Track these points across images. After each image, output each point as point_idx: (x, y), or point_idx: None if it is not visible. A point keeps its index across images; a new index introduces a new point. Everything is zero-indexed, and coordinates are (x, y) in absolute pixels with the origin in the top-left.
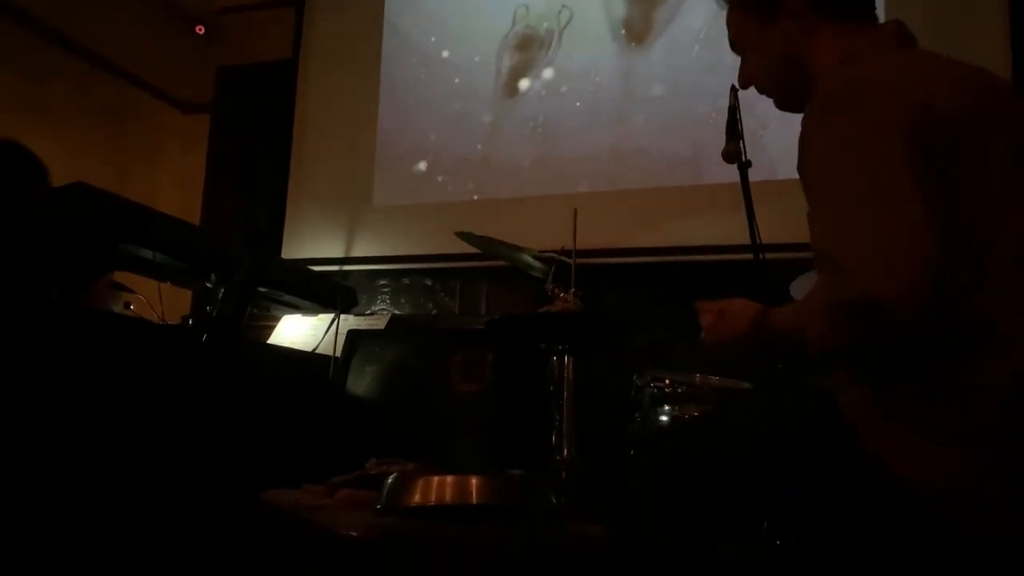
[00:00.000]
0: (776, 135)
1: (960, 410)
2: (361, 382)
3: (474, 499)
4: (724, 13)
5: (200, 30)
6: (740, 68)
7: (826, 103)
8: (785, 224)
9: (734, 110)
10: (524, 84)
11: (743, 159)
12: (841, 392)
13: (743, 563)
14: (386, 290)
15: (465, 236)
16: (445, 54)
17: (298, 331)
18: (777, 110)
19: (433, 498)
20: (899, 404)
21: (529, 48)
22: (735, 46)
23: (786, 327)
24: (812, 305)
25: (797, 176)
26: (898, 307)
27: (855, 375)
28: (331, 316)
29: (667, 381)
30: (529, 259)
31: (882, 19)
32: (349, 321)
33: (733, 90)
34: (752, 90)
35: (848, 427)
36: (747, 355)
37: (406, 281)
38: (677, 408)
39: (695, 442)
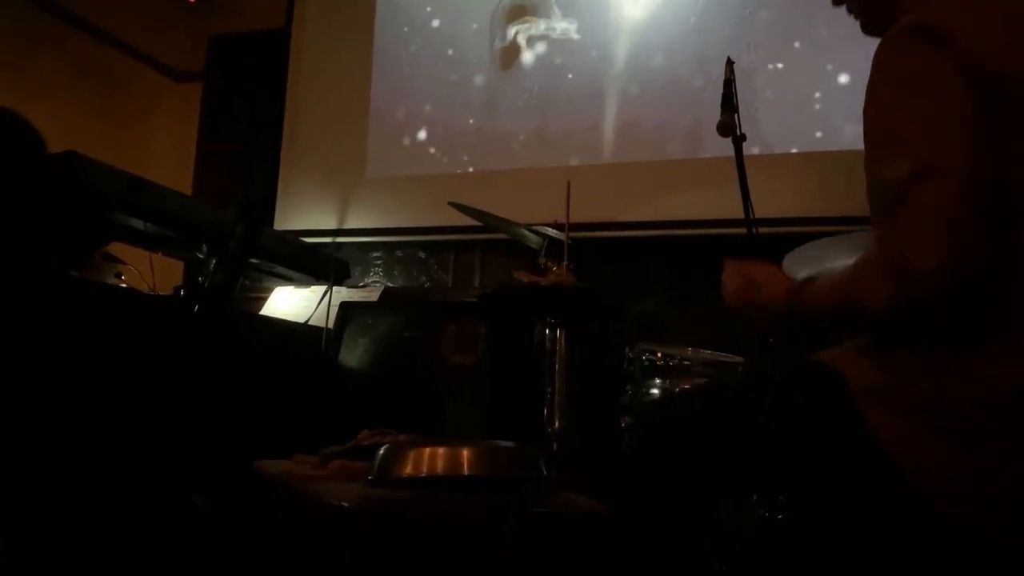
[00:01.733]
0: (771, 109)
1: (964, 411)
2: (354, 354)
3: (465, 470)
4: None
5: None
6: None
7: (889, 47)
8: (779, 198)
9: (730, 83)
10: (519, 54)
11: (738, 132)
12: (847, 367)
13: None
14: (379, 262)
15: (459, 206)
16: (439, 24)
17: (290, 303)
18: (772, 84)
19: (425, 469)
20: (904, 391)
21: (523, 16)
22: None
23: (827, 291)
24: (865, 267)
25: (792, 150)
26: (946, 274)
27: (863, 351)
28: (324, 288)
29: (659, 354)
30: (523, 231)
31: None
32: (342, 293)
33: (729, 63)
34: (748, 64)
35: (851, 404)
36: (776, 324)
37: (399, 253)
38: (668, 381)
39: (692, 415)
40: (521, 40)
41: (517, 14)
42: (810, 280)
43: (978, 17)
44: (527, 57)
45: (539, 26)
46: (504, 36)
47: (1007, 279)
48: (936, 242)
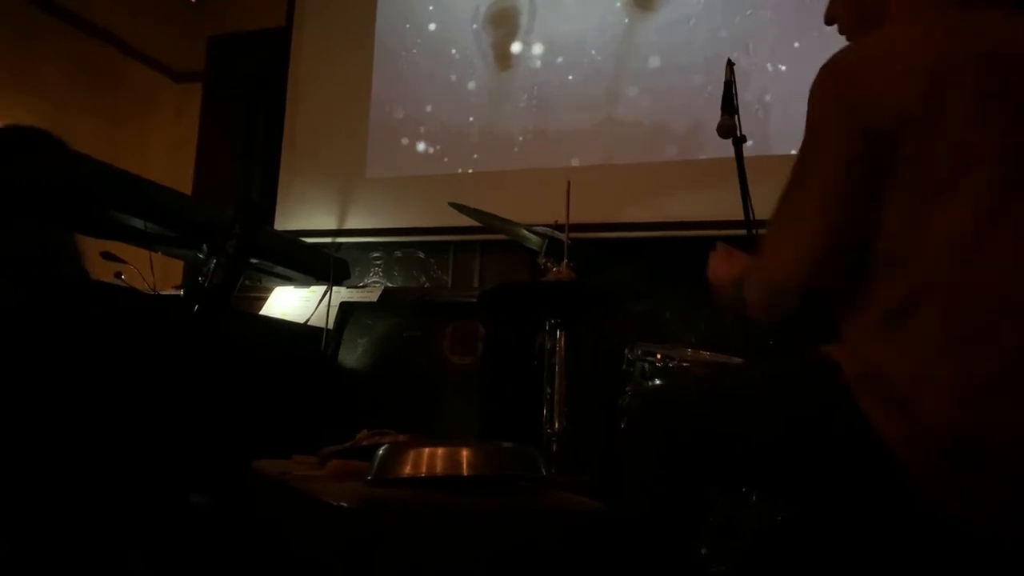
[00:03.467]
0: (771, 110)
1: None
2: (353, 354)
3: (465, 470)
4: None
5: None
6: (829, 3)
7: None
8: None
9: (730, 84)
10: (515, 55)
11: (738, 134)
12: (842, 356)
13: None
14: (379, 262)
15: (459, 207)
16: (440, 24)
17: (290, 303)
18: (772, 85)
19: (424, 469)
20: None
21: (507, 18)
22: None
23: (741, 291)
24: (748, 274)
25: (792, 152)
26: (784, 291)
27: (857, 341)
28: (323, 288)
29: (658, 355)
30: (523, 231)
31: None
32: (341, 293)
33: (729, 64)
34: (748, 65)
35: (845, 392)
36: (725, 302)
37: (399, 254)
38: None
39: (693, 407)
40: (509, 39)
41: (501, 15)
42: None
43: (883, 63)
44: (527, 58)
45: (526, 24)
46: (491, 37)
47: (984, 286)
48: (787, 268)
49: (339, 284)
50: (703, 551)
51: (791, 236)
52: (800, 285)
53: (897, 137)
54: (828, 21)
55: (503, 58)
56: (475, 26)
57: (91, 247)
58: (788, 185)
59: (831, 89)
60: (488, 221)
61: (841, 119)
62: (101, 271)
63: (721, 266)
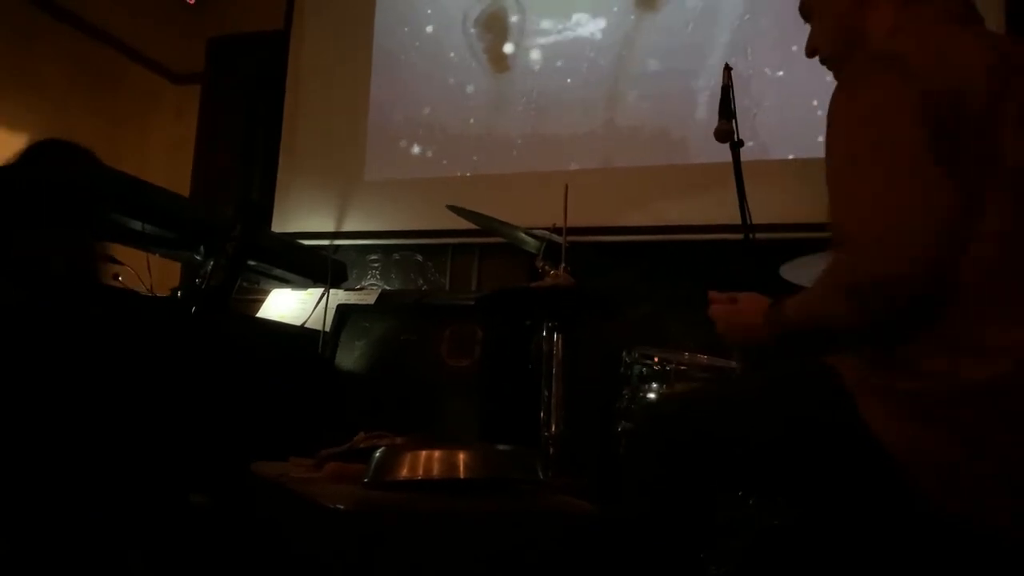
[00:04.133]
0: (769, 115)
1: (941, 404)
2: (350, 356)
3: (462, 473)
4: None
5: None
6: (808, 35)
7: (850, 76)
8: (776, 204)
9: (727, 89)
10: (513, 58)
11: (735, 139)
12: (844, 365)
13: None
14: (376, 265)
15: (457, 209)
16: (439, 27)
17: (287, 305)
18: (770, 90)
19: (421, 472)
20: (892, 385)
21: (503, 21)
22: (802, 10)
23: (800, 316)
24: (824, 289)
25: (789, 156)
26: (903, 285)
27: (859, 351)
28: (321, 290)
29: (656, 359)
30: (521, 234)
31: None
32: (339, 296)
33: (727, 69)
34: (746, 70)
35: (848, 399)
36: (765, 348)
37: (396, 256)
38: (665, 386)
39: (695, 415)
40: (510, 47)
41: (492, 18)
42: (781, 302)
43: (932, 45)
44: (525, 61)
45: (518, 23)
46: (492, 42)
47: (970, 286)
48: (900, 253)
49: (336, 286)
50: (701, 554)
51: (890, 214)
52: (928, 264)
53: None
54: (809, 54)
55: (500, 61)
56: (472, 30)
57: None
58: (848, 172)
59: (887, 68)
60: (486, 224)
61: (915, 106)
62: None
63: (733, 316)
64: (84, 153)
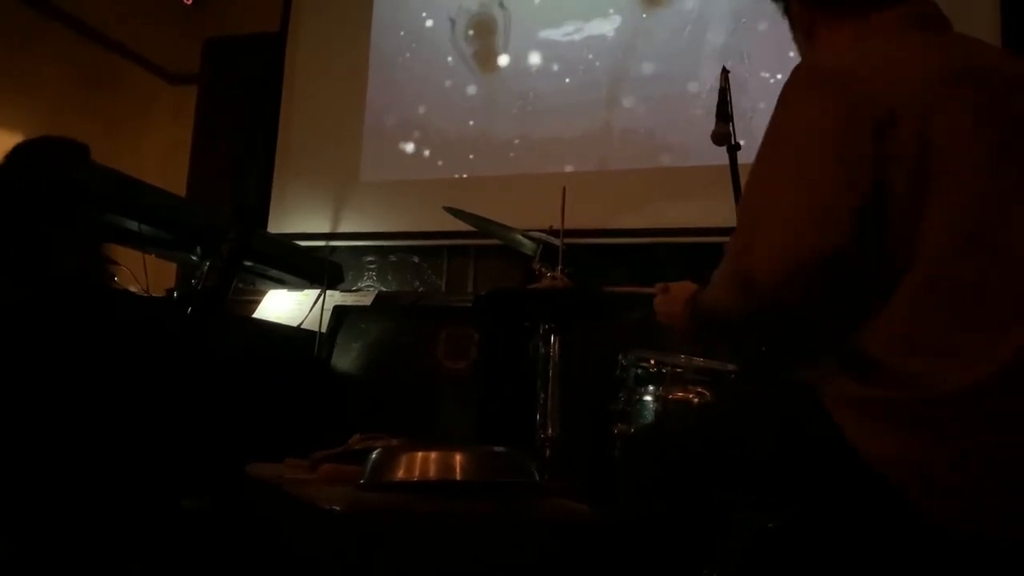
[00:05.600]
0: (766, 118)
1: (915, 412)
2: (346, 358)
3: (458, 475)
4: None
5: (188, 0)
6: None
7: (788, 81)
8: None
9: (724, 92)
10: (511, 61)
11: (733, 141)
12: (821, 379)
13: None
14: (372, 267)
15: (454, 211)
16: (435, 29)
17: (283, 306)
18: (766, 94)
19: (417, 474)
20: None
21: (500, 24)
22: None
23: (705, 303)
24: (719, 276)
25: None
26: (763, 284)
27: (834, 364)
28: (317, 292)
29: (652, 361)
30: (518, 236)
31: None
32: (335, 297)
33: (724, 72)
34: (743, 73)
35: (825, 412)
36: (688, 334)
37: (393, 258)
38: (661, 388)
39: (683, 434)
40: (508, 49)
41: (481, 24)
42: (700, 290)
43: (867, 56)
44: (522, 63)
45: (518, 37)
46: (485, 44)
47: (945, 291)
48: (767, 255)
49: (333, 288)
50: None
51: (778, 207)
52: (799, 252)
53: (897, 136)
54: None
55: (496, 63)
56: (471, 32)
57: None
58: (754, 174)
59: (822, 86)
60: (483, 226)
61: (840, 115)
62: None
63: (663, 303)
64: (78, 148)
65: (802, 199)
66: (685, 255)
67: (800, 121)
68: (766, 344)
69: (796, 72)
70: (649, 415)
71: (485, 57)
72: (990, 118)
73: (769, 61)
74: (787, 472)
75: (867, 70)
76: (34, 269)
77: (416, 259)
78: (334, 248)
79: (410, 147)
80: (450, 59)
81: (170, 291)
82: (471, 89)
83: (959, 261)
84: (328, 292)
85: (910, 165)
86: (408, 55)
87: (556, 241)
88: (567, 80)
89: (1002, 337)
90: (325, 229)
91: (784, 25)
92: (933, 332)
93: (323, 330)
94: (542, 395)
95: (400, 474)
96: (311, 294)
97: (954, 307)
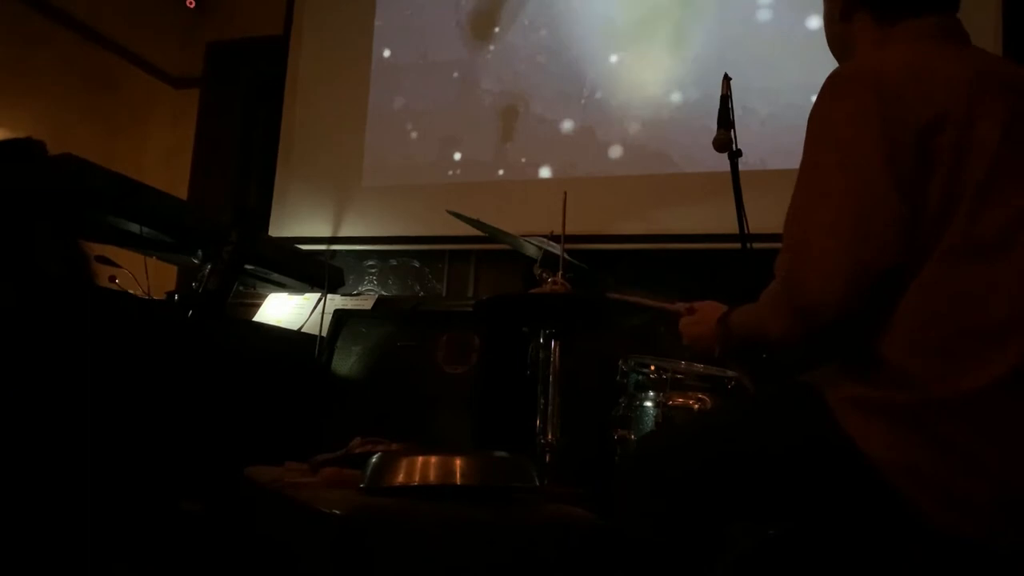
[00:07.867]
0: (768, 125)
1: (918, 415)
2: (347, 362)
3: (458, 480)
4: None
5: (191, 3)
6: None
7: (826, 88)
8: (774, 214)
9: (726, 99)
10: (513, 66)
11: (734, 148)
12: (825, 382)
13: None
14: (373, 271)
15: (457, 215)
16: (439, 34)
17: (284, 310)
18: (768, 100)
19: (417, 478)
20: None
21: (496, 29)
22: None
23: (745, 326)
24: (766, 302)
25: (787, 167)
26: (825, 313)
27: (839, 367)
28: (317, 295)
29: (652, 367)
30: (519, 241)
31: None
32: (335, 301)
33: (726, 79)
34: (745, 79)
35: (830, 415)
36: (720, 354)
37: (394, 262)
38: (661, 394)
39: (686, 444)
40: (508, 54)
41: (485, 23)
42: (730, 312)
43: (906, 63)
44: (525, 70)
45: (518, 41)
46: (488, 50)
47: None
48: (827, 282)
49: (333, 292)
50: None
51: (828, 221)
52: (857, 273)
53: (941, 142)
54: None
55: (499, 69)
56: (471, 38)
57: None
58: (802, 185)
59: (864, 94)
60: (485, 230)
61: (879, 123)
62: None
63: (691, 325)
64: (34, 145)
65: (851, 207)
66: (687, 261)
67: (844, 127)
68: (803, 362)
69: (836, 76)
70: (649, 421)
71: (495, 60)
72: (1020, 126)
73: (771, 68)
74: (790, 475)
75: (911, 75)
76: (25, 271)
77: (417, 263)
78: (335, 252)
79: (412, 152)
80: (452, 62)
81: (171, 294)
82: (473, 95)
83: (969, 267)
84: (329, 296)
85: (946, 172)
86: (410, 60)
87: (557, 247)
88: (570, 87)
89: (1009, 342)
90: (326, 233)
91: (786, 33)
92: (939, 336)
93: (323, 334)
94: (542, 400)
95: (400, 478)
96: (312, 298)
97: (961, 312)
